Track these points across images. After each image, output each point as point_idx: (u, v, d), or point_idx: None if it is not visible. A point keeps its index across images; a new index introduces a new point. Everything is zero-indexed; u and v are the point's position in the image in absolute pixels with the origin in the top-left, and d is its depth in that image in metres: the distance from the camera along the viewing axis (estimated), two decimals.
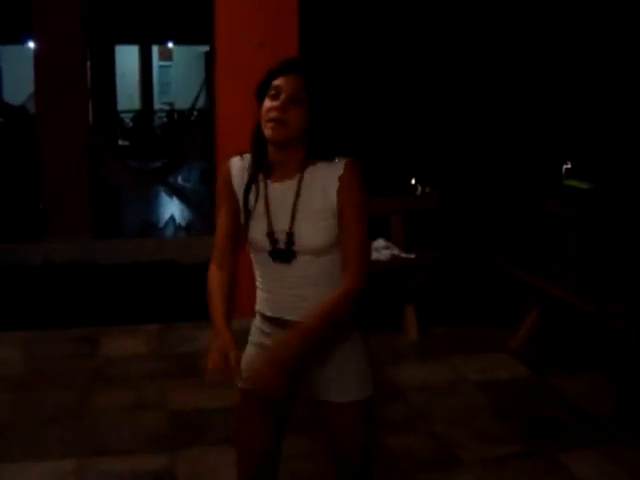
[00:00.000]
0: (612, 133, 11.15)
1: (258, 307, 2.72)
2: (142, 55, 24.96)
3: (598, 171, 10.20)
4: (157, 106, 25.20)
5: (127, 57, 25.65)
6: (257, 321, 2.74)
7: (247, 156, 2.66)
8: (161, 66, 30.23)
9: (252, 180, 2.61)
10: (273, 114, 2.49)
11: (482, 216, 9.55)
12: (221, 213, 2.68)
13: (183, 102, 22.93)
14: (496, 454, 4.36)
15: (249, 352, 2.72)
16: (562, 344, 6.08)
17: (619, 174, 10.05)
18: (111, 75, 19.70)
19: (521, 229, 8.59)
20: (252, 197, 2.60)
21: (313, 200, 2.55)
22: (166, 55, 30.67)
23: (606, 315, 5.00)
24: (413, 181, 9.11)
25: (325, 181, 2.54)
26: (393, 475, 4.10)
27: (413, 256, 6.12)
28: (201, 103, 18.47)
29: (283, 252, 2.56)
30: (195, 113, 19.30)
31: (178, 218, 11.41)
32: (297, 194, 2.56)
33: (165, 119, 23.26)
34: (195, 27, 15.37)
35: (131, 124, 22.06)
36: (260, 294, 2.70)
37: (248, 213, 2.60)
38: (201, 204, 12.09)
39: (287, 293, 2.61)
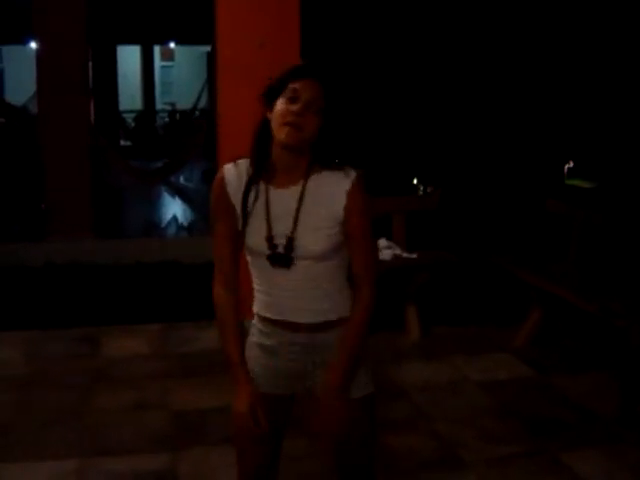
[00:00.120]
0: (614, 132, 11.14)
1: (257, 309, 2.70)
2: (144, 55, 24.97)
3: (600, 170, 10.20)
4: (159, 106, 25.20)
5: (129, 57, 25.68)
6: (257, 323, 2.72)
7: (242, 161, 2.62)
8: (163, 66, 30.27)
9: (252, 183, 2.58)
10: (291, 118, 2.44)
11: (484, 216, 9.55)
12: (219, 228, 2.64)
13: (185, 102, 22.96)
14: (499, 454, 4.36)
15: (252, 353, 2.71)
16: (564, 344, 6.07)
17: (621, 173, 10.05)
18: (113, 75, 19.72)
19: (523, 229, 8.58)
20: (251, 200, 2.57)
21: (317, 208, 2.54)
22: (168, 55, 30.70)
23: (608, 315, 4.99)
24: (415, 181, 9.13)
25: (331, 191, 2.54)
26: (395, 475, 4.09)
27: (415, 256, 6.11)
28: (203, 103, 18.49)
29: (282, 257, 2.54)
30: (197, 113, 19.31)
31: (180, 218, 11.41)
32: (301, 200, 2.54)
33: (167, 119, 23.27)
34: (197, 27, 15.38)
35: (133, 124, 22.07)
36: (258, 296, 2.68)
37: (246, 216, 2.57)
38: (203, 204, 12.08)
39: (285, 296, 2.60)
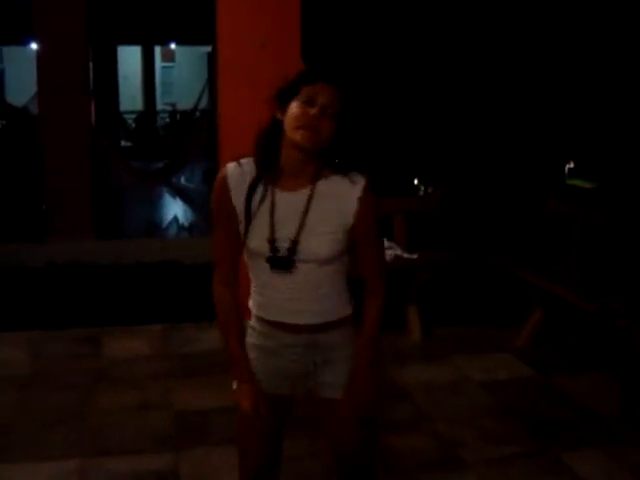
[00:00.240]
0: (615, 132, 11.15)
1: (256, 311, 2.70)
2: (144, 56, 24.97)
3: (601, 170, 10.21)
4: (160, 107, 25.22)
5: (130, 58, 25.70)
6: (255, 324, 2.72)
7: (245, 161, 2.61)
8: (163, 67, 30.28)
9: (256, 184, 2.56)
10: (308, 121, 2.43)
11: (485, 216, 9.55)
12: (220, 229, 2.64)
13: (186, 103, 22.97)
14: (500, 454, 4.36)
15: (251, 355, 2.71)
16: (565, 344, 6.07)
17: (622, 173, 10.05)
18: (114, 76, 19.73)
19: (524, 229, 8.58)
20: (255, 201, 2.56)
21: (325, 212, 2.54)
22: (168, 56, 30.71)
23: (609, 314, 5.00)
24: (416, 181, 9.14)
25: (342, 197, 2.55)
26: (396, 475, 4.09)
27: (416, 256, 6.11)
28: (204, 104, 18.50)
29: (283, 260, 2.54)
30: (197, 114, 19.33)
31: (181, 219, 11.42)
32: (308, 204, 2.54)
33: (168, 120, 23.28)
34: (197, 28, 15.39)
35: (134, 125, 22.08)
36: (257, 298, 2.68)
37: (249, 218, 2.56)
38: (204, 205, 12.09)
39: (285, 298, 2.61)
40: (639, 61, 10.89)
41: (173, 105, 25.68)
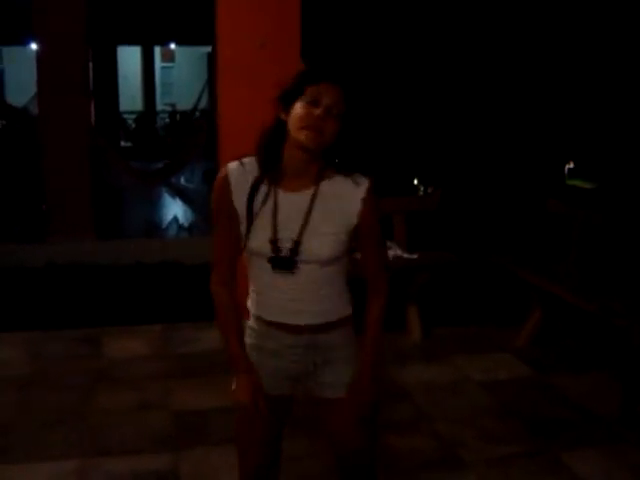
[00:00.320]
0: (615, 133, 11.15)
1: (255, 311, 2.70)
2: (144, 56, 24.98)
3: (601, 171, 10.21)
4: (159, 107, 25.22)
5: (129, 58, 25.70)
6: (254, 324, 2.71)
7: (247, 160, 2.60)
8: (163, 67, 30.28)
9: (259, 183, 2.56)
10: (312, 121, 2.43)
11: (484, 216, 9.55)
12: (219, 229, 2.64)
13: (185, 103, 22.98)
14: (499, 454, 4.36)
15: (251, 355, 2.71)
16: (565, 344, 6.07)
17: (622, 174, 10.05)
18: (113, 76, 19.74)
19: (524, 229, 8.58)
20: (257, 201, 2.55)
21: (329, 213, 2.55)
22: (168, 56, 30.72)
23: (609, 314, 4.99)
24: (416, 181, 9.14)
25: (346, 198, 2.56)
26: (395, 475, 4.09)
27: (416, 256, 6.11)
28: (203, 104, 18.50)
29: (285, 260, 2.53)
30: (197, 114, 19.33)
31: (181, 219, 11.41)
32: (312, 204, 2.54)
33: (167, 120, 23.29)
34: (197, 28, 15.39)
35: (133, 125, 22.08)
36: (257, 299, 2.68)
37: (251, 218, 2.55)
38: (204, 205, 12.09)
39: (285, 299, 2.60)
40: (638, 62, 10.89)
41: (173, 105, 25.69)
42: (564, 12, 11.71)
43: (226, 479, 3.88)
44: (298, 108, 2.46)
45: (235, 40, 5.99)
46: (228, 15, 5.98)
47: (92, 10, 9.63)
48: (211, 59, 12.32)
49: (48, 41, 8.94)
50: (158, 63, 28.34)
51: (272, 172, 2.55)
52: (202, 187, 14.44)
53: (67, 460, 4.24)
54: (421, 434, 4.57)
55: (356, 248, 2.67)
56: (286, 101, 2.51)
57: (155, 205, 13.36)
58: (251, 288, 2.69)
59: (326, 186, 2.56)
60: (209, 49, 18.36)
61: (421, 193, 7.98)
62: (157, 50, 27.68)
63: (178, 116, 23.06)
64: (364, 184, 2.56)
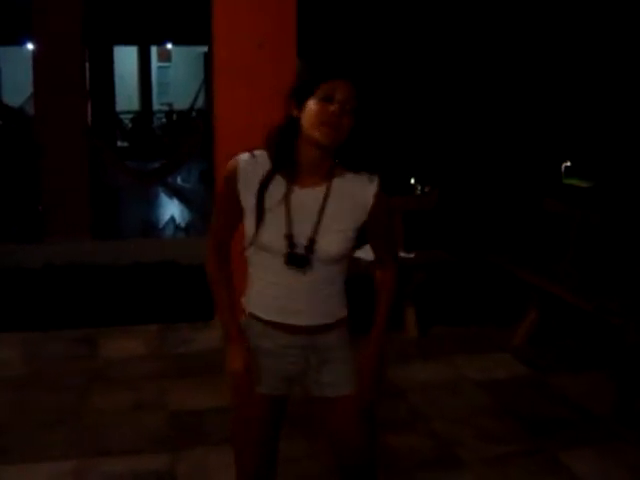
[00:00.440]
0: (612, 131, 11.15)
1: (253, 310, 2.69)
2: (141, 56, 24.98)
3: (598, 170, 10.21)
4: (156, 107, 25.22)
5: (126, 58, 25.69)
6: (250, 323, 2.70)
7: (259, 153, 2.59)
8: (160, 67, 30.26)
9: (270, 178, 2.55)
10: (328, 118, 2.45)
11: (481, 215, 9.55)
12: (220, 212, 2.66)
13: (182, 103, 22.97)
14: (497, 453, 4.36)
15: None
16: (563, 343, 6.07)
17: (619, 173, 10.05)
18: (110, 76, 19.73)
19: (521, 228, 8.58)
20: (268, 196, 2.54)
21: (341, 210, 2.56)
22: (165, 56, 30.70)
23: (605, 313, 4.99)
24: (412, 180, 9.12)
25: (358, 194, 2.59)
26: (393, 474, 4.09)
27: (412, 256, 6.11)
28: (200, 103, 18.50)
29: (300, 258, 2.53)
30: (194, 113, 19.33)
31: (178, 219, 11.41)
32: (325, 201, 2.55)
33: (164, 120, 23.28)
34: (194, 28, 15.38)
35: (130, 125, 22.07)
36: (256, 297, 2.67)
37: (261, 213, 2.54)
38: (201, 204, 12.10)
39: (287, 297, 2.60)
40: (635, 60, 10.89)
41: (169, 105, 25.69)
42: (559, 12, 11.71)
43: (222, 479, 3.88)
44: (312, 105, 2.47)
45: (231, 41, 5.99)
46: (224, 16, 5.98)
47: (88, 10, 9.61)
48: (208, 59, 12.32)
49: (44, 41, 8.94)
50: (155, 63, 28.33)
51: (285, 168, 2.55)
52: (199, 187, 14.46)
53: (64, 460, 4.23)
54: (418, 433, 4.57)
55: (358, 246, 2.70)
56: (299, 98, 2.51)
57: (152, 205, 13.36)
58: (251, 286, 2.68)
59: (338, 183, 2.58)
60: (206, 49, 18.34)
61: (418, 192, 7.97)
62: (154, 50, 27.66)
63: (175, 116, 23.05)
64: (375, 180, 2.60)
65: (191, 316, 6.42)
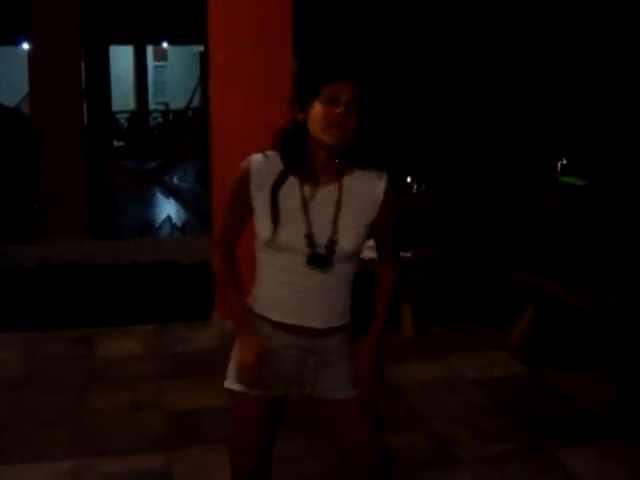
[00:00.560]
0: (607, 130, 11.16)
1: (260, 311, 2.68)
2: (137, 55, 24.94)
3: (594, 168, 10.22)
4: (152, 106, 25.18)
5: (122, 57, 25.63)
6: (255, 324, 2.69)
7: (272, 154, 2.60)
8: (156, 66, 30.21)
9: (283, 179, 2.56)
10: (334, 120, 2.47)
11: (478, 214, 9.55)
12: (230, 211, 2.65)
13: (178, 102, 22.93)
14: (494, 452, 4.36)
15: None
16: (560, 341, 6.07)
17: (615, 170, 10.06)
18: (106, 76, 19.70)
19: (517, 227, 8.59)
20: (283, 197, 2.55)
21: (353, 208, 2.59)
22: (161, 55, 30.64)
23: (604, 312, 4.99)
24: (409, 179, 9.12)
25: (369, 191, 2.61)
26: (392, 473, 4.08)
27: (409, 255, 6.11)
28: (196, 103, 18.48)
29: (322, 257, 2.55)
30: (190, 113, 19.31)
31: (174, 218, 11.40)
32: (339, 201, 2.58)
33: (160, 119, 23.25)
34: (190, 27, 15.36)
35: (126, 125, 22.05)
36: (265, 297, 2.66)
37: (277, 214, 2.54)
38: (197, 204, 12.10)
39: (303, 298, 2.60)
40: (630, 58, 10.90)
41: (166, 104, 25.64)
42: (555, 11, 11.72)
43: (219, 479, 3.88)
44: (318, 108, 2.49)
45: (227, 41, 5.99)
46: (220, 18, 5.98)
47: (84, 9, 9.60)
48: (204, 58, 12.31)
49: (40, 41, 8.93)
50: (151, 62, 28.28)
51: (297, 169, 2.56)
52: (195, 186, 14.45)
53: (63, 460, 4.22)
54: (416, 432, 4.57)
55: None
56: (303, 101, 2.53)
57: (148, 205, 13.35)
58: (258, 286, 2.68)
59: (349, 181, 2.60)
60: (202, 48, 18.32)
61: (414, 191, 7.97)
62: (149, 49, 27.63)
63: (171, 115, 23.02)
64: (384, 177, 2.64)
65: (189, 315, 6.42)
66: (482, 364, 5.63)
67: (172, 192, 14.20)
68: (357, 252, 2.63)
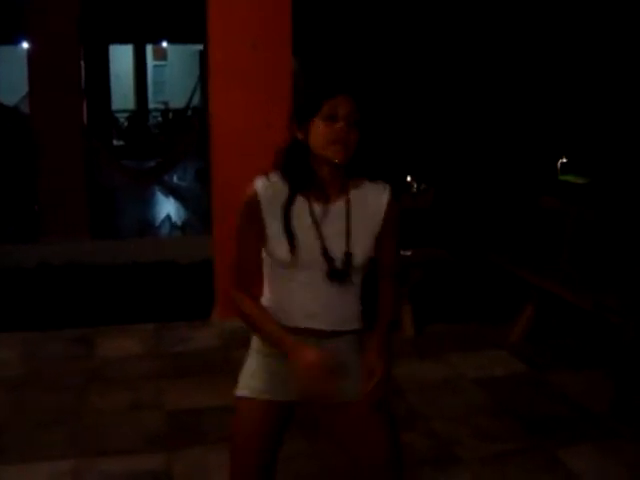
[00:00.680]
0: (607, 128, 11.15)
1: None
2: (136, 54, 24.92)
3: (594, 166, 10.20)
4: (152, 105, 25.17)
5: (121, 57, 25.62)
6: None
7: (273, 176, 2.59)
8: (155, 65, 30.20)
9: (292, 200, 2.55)
10: (337, 136, 2.48)
11: (478, 213, 9.55)
12: (246, 242, 2.61)
13: (178, 101, 22.92)
14: (494, 451, 4.36)
15: (260, 363, 2.70)
16: (560, 341, 6.07)
17: (615, 169, 10.06)
18: (105, 75, 19.68)
19: (517, 225, 8.58)
20: (294, 218, 2.55)
21: (362, 220, 2.61)
22: (160, 54, 30.63)
23: (603, 311, 4.99)
24: (408, 178, 9.12)
25: (374, 203, 2.64)
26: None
27: (409, 254, 6.11)
28: (196, 102, 18.48)
29: (341, 272, 2.57)
30: (190, 112, 19.31)
31: (174, 217, 11.40)
32: (348, 214, 2.59)
33: (160, 118, 23.25)
34: (189, 26, 15.35)
35: (126, 124, 22.04)
36: (286, 309, 2.64)
37: (292, 237, 2.53)
38: (197, 203, 12.10)
39: (325, 305, 2.62)
40: (630, 57, 10.89)
41: (165, 103, 25.63)
42: (554, 9, 11.71)
43: (219, 479, 3.87)
44: (320, 126, 2.50)
45: (227, 40, 6.00)
46: (220, 17, 5.98)
47: (84, 8, 9.60)
48: (203, 57, 12.30)
49: (40, 40, 8.93)
50: (150, 61, 28.28)
51: (304, 188, 2.57)
52: (195, 185, 14.45)
53: (62, 460, 4.23)
54: (416, 432, 4.56)
55: None
56: (301, 119, 2.54)
57: (148, 204, 13.35)
58: (272, 298, 2.67)
59: (355, 194, 2.62)
60: (201, 47, 18.31)
61: (414, 190, 7.97)
62: (149, 48, 27.62)
63: (170, 114, 23.02)
64: (387, 188, 2.67)
65: (189, 315, 6.42)
66: (482, 363, 5.63)
67: (172, 191, 14.20)
68: (367, 262, 2.66)
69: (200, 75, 18.41)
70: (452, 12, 12.34)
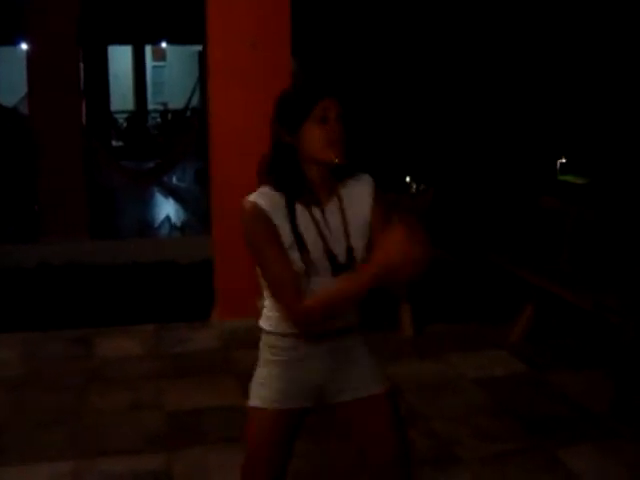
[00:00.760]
0: (607, 128, 11.16)
1: (284, 329, 2.63)
2: (135, 55, 24.94)
3: (593, 166, 10.21)
4: (151, 106, 25.19)
5: (120, 57, 25.65)
6: (278, 341, 2.66)
7: (266, 191, 2.55)
8: (154, 66, 30.23)
9: (292, 206, 2.55)
10: (332, 137, 2.51)
11: (477, 213, 9.55)
12: (276, 253, 2.52)
13: (177, 102, 22.93)
14: (494, 451, 4.35)
15: (274, 372, 2.68)
16: (560, 341, 6.07)
17: (614, 169, 10.06)
18: (104, 76, 19.69)
19: (517, 225, 8.58)
20: (301, 226, 2.55)
21: (356, 216, 2.63)
22: (159, 55, 30.66)
23: (603, 311, 4.99)
24: (407, 179, 9.12)
25: (361, 197, 2.66)
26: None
27: None
28: (195, 102, 18.47)
29: (344, 266, 2.58)
30: (189, 112, 19.31)
31: (174, 218, 11.40)
32: (342, 212, 2.62)
33: (159, 119, 23.26)
34: (188, 27, 15.36)
35: (125, 125, 22.05)
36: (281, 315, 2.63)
37: (303, 244, 2.53)
38: (196, 203, 12.10)
39: None
40: (629, 57, 10.90)
41: (164, 104, 25.66)
42: (553, 9, 11.72)
43: (219, 479, 3.87)
44: (314, 129, 2.51)
45: (226, 40, 6.00)
46: (219, 16, 5.98)
47: (83, 9, 9.60)
48: (202, 58, 12.31)
49: (39, 41, 8.93)
50: (149, 62, 28.31)
51: (298, 193, 2.57)
52: (194, 186, 14.45)
53: (62, 461, 4.22)
54: (416, 432, 4.55)
55: None
56: (291, 124, 2.54)
57: (147, 205, 13.36)
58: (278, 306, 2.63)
59: (345, 191, 2.64)
60: (200, 47, 18.31)
61: (413, 191, 7.98)
62: (148, 49, 27.63)
63: (170, 115, 23.03)
64: (368, 179, 2.70)
65: (189, 315, 6.41)
66: (482, 363, 5.62)
67: (171, 192, 14.20)
68: (365, 254, 2.64)
69: (199, 76, 18.40)
70: (452, 13, 12.35)
